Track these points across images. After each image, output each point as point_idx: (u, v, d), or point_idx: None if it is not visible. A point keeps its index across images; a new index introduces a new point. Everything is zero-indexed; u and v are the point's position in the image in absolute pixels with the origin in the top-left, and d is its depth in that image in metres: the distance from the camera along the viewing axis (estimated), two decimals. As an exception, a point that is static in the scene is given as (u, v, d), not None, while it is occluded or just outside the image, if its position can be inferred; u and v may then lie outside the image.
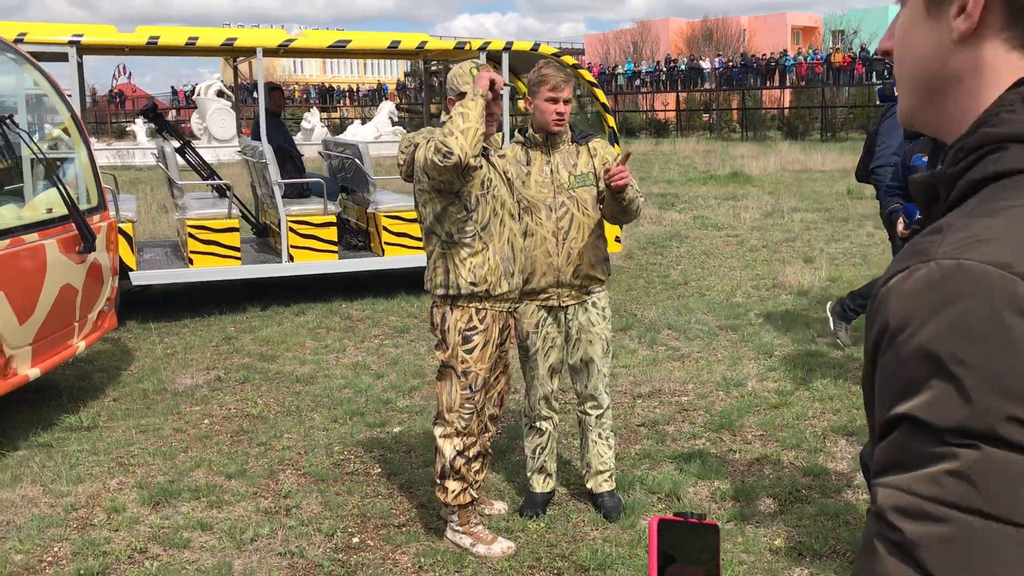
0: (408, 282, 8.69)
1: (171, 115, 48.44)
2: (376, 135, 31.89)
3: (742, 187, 17.18)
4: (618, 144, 8.88)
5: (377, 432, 5.11)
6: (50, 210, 5.24)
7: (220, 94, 31.15)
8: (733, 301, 8.14)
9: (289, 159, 8.63)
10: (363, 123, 35.77)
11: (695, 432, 4.98)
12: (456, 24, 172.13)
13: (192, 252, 7.69)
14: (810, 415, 5.19)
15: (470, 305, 3.49)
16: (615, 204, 3.65)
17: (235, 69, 9.43)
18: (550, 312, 3.85)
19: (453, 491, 3.63)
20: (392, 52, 8.38)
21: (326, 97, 56.19)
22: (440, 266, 3.51)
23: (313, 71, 73.54)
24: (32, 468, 4.57)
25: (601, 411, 3.93)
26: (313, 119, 32.76)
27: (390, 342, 7.02)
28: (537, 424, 4.00)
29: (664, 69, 45.07)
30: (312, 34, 8.28)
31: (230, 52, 8.25)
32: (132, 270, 7.53)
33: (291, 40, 7.85)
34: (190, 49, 7.74)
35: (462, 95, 3.38)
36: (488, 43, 8.36)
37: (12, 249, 4.61)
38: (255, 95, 9.07)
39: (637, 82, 46.40)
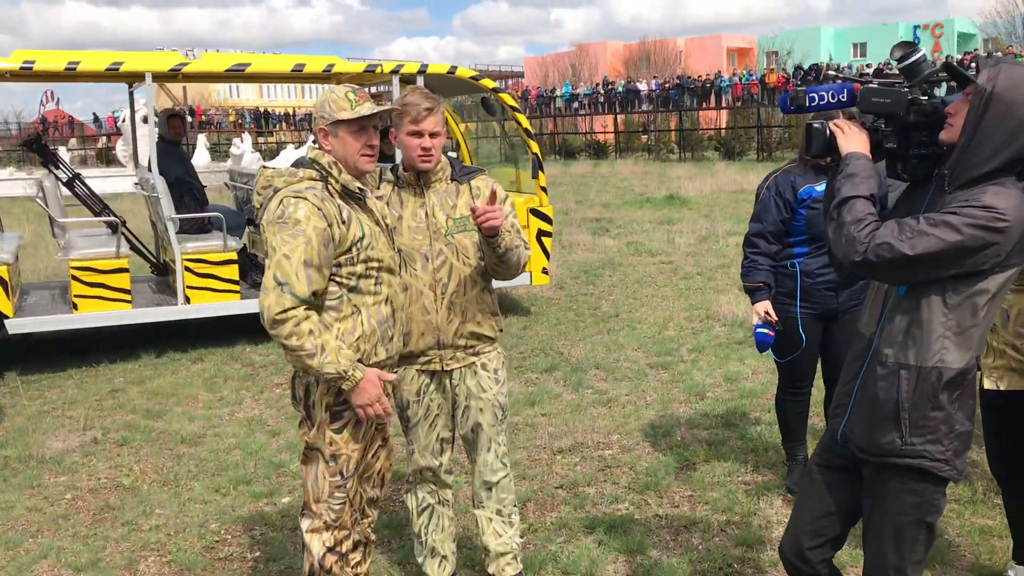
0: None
1: (100, 142, 47.04)
2: (309, 160, 31.14)
3: (678, 210, 16.90)
4: (542, 172, 8.43)
5: (263, 504, 4.52)
6: None
7: (146, 120, 30.19)
8: (665, 335, 7.71)
9: (188, 192, 8.01)
10: (297, 147, 35.00)
11: (618, 494, 4.47)
12: (395, 48, 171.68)
13: (77, 296, 7.01)
14: (743, 470, 4.73)
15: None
16: (489, 252, 3.13)
17: (131, 95, 8.78)
18: (433, 377, 3.32)
19: None
20: (297, 76, 7.82)
21: (262, 121, 55.22)
22: None
23: (250, 95, 72.36)
24: None
25: (494, 485, 3.39)
26: (243, 145, 31.87)
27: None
28: (424, 502, 3.46)
29: (602, 91, 45.12)
30: (209, 57, 7.69)
31: (117, 78, 7.62)
32: (8, 317, 6.83)
33: (184, 64, 7.25)
34: (71, 75, 7.09)
35: (337, 123, 2.83)
36: (401, 66, 7.85)
37: None
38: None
39: (576, 104, 46.38)
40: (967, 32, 50.54)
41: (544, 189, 8.52)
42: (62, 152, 32.89)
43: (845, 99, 2.55)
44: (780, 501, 4.35)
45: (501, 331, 3.35)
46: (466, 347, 3.26)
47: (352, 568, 3.11)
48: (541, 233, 8.41)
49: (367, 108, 2.85)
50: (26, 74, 6.91)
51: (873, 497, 2.53)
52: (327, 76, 7.99)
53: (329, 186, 2.84)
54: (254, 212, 3.01)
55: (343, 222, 2.80)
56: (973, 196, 2.32)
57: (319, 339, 2.71)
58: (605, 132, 40.60)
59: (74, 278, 6.97)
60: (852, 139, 2.53)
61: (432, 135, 3.12)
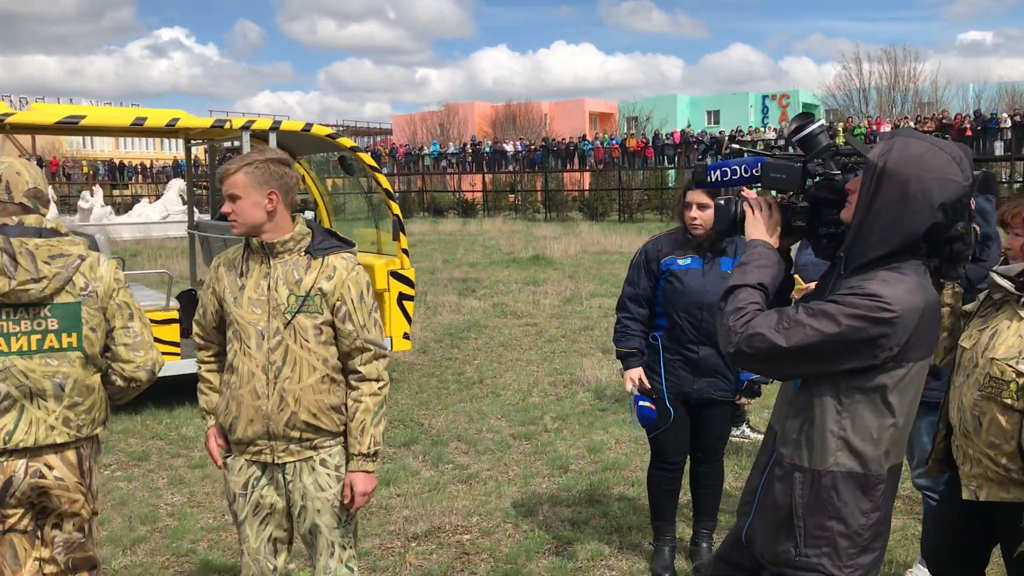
0: (156, 394, 7.50)
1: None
2: (164, 215, 29.89)
3: (543, 270, 16.93)
4: (403, 234, 8.15)
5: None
6: None
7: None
8: (529, 402, 7.49)
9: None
10: (152, 201, 33.56)
11: (476, 585, 4.16)
12: (257, 101, 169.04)
13: None
14: (607, 552, 4.50)
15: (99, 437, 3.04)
16: None
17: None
18: (265, 470, 2.96)
19: None
20: (138, 130, 7.32)
21: (116, 174, 52.94)
22: (103, 398, 3.01)
23: (105, 147, 69.43)
24: None
25: None
26: (93, 199, 30.33)
27: (123, 473, 5.83)
28: None
29: (470, 150, 45.50)
30: (40, 108, 7.11)
31: (-70, 126, 6.93)
32: None
33: (8, 114, 6.65)
34: None
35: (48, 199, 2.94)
36: (252, 121, 7.46)
37: None
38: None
39: (444, 163, 46.54)
40: (811, 103, 53.80)
41: (405, 252, 8.24)
42: None
43: (759, 174, 2.40)
44: (646, 587, 4.13)
45: (344, 426, 2.97)
46: (301, 440, 2.90)
47: None
48: (402, 297, 8.10)
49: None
50: None
51: None
52: (172, 130, 7.53)
53: None
54: (65, 282, 2.83)
55: None
56: (859, 283, 2.13)
57: None
58: (473, 191, 40.85)
59: None
60: (757, 224, 2.35)
61: (230, 198, 2.85)
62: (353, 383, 2.91)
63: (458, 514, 5.02)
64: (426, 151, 48.33)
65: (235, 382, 2.91)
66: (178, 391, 7.60)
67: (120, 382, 2.96)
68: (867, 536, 2.20)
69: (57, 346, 2.79)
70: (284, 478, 2.94)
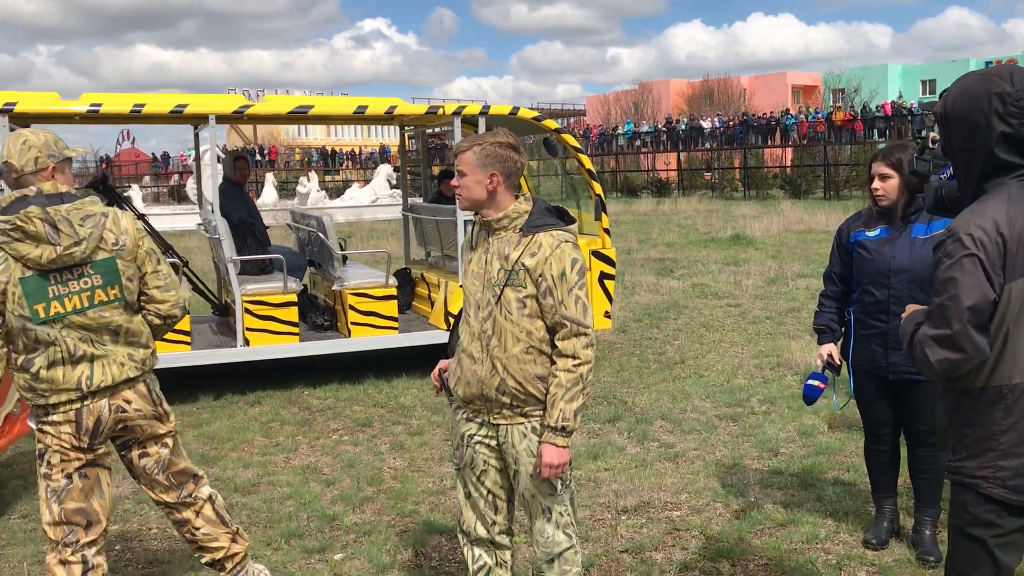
0: (376, 365, 7.99)
1: (172, 179, 48.27)
2: (373, 198, 31.48)
3: (744, 250, 16.53)
4: (605, 214, 8.23)
5: (314, 561, 4.34)
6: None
7: (218, 159, 30.86)
8: (734, 384, 7.40)
9: (251, 233, 7.98)
10: (362, 186, 35.41)
11: (688, 561, 4.19)
12: (454, 87, 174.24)
13: (138, 337, 6.99)
14: (822, 536, 4.41)
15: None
16: None
17: (196, 136, 8.85)
18: (482, 427, 3.14)
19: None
20: (359, 118, 7.78)
21: (328, 160, 56.15)
22: (149, 332, 3.35)
23: (318, 135, 73.79)
24: None
25: (557, 557, 3.15)
26: (309, 184, 32.38)
27: (349, 438, 6.27)
28: (480, 560, 3.27)
29: (664, 129, 44.88)
30: (273, 99, 7.70)
31: (181, 119, 7.66)
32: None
33: (247, 106, 7.25)
34: (137, 117, 7.15)
35: (66, 160, 3.22)
36: (463, 107, 7.76)
37: None
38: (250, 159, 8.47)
39: (638, 142, 46.20)
40: (1043, 67, 49.07)
41: (607, 231, 8.32)
42: (135, 190, 33.76)
43: None
44: (863, 574, 4.02)
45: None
46: (511, 405, 3.05)
47: None
48: (604, 276, 8.19)
49: (77, 148, 3.32)
50: (93, 116, 6.98)
51: None
52: (390, 117, 7.95)
53: None
54: (99, 240, 3.17)
55: None
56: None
57: None
58: (668, 170, 40.33)
59: (135, 319, 6.95)
60: None
61: (459, 173, 3.05)
62: (553, 357, 3.01)
63: (667, 491, 5.07)
64: (620, 131, 48.13)
65: (459, 346, 3.14)
66: (397, 363, 8.07)
67: (157, 320, 3.32)
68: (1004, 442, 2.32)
69: (105, 299, 3.14)
70: (499, 439, 3.10)
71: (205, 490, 3.57)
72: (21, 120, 7.22)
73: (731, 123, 42.49)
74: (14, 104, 6.58)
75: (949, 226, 2.28)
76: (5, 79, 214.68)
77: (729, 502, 4.88)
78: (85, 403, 3.15)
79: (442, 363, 3.32)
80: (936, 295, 2.26)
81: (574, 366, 2.97)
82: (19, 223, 2.99)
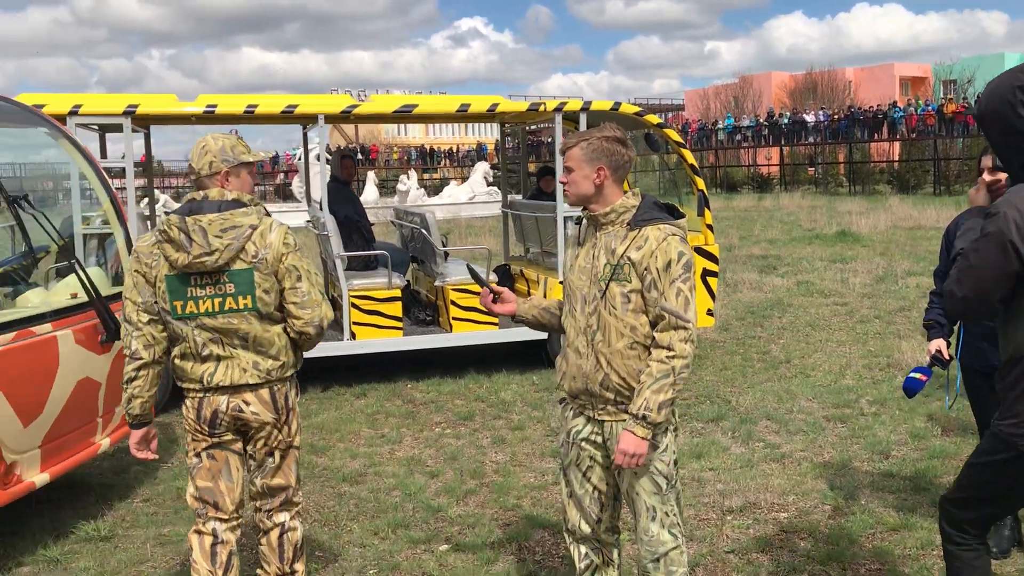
0: (477, 360, 8.07)
1: (279, 178, 49.72)
2: (471, 196, 31.79)
3: (850, 247, 16.05)
4: (708, 209, 8.11)
5: (420, 551, 4.43)
6: (75, 295, 4.82)
7: (319, 158, 31.66)
8: (842, 384, 7.20)
9: (356, 230, 8.17)
10: (460, 183, 35.81)
11: (796, 564, 4.11)
12: (549, 84, 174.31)
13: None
14: (937, 542, 4.24)
15: (294, 379, 3.46)
16: None
17: (304, 135, 9.10)
18: (588, 423, 3.14)
19: (301, 574, 3.54)
20: (462, 116, 7.87)
21: (426, 158, 56.93)
22: (288, 346, 3.35)
23: (416, 133, 74.88)
24: (26, 593, 4.06)
25: (662, 557, 3.12)
26: (409, 181, 32.90)
27: (451, 432, 6.36)
28: (586, 558, 3.27)
29: (766, 123, 43.91)
30: (379, 99, 7.86)
31: (291, 119, 7.89)
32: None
33: (354, 106, 7.42)
34: (250, 117, 7.40)
35: (241, 164, 3.28)
36: (564, 103, 7.76)
37: (16, 344, 4.17)
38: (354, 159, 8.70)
39: (738, 137, 45.35)
40: None
41: (710, 227, 8.21)
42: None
43: None
44: (985, 583, 3.86)
45: None
46: (615, 401, 3.04)
47: None
48: (706, 273, 8.08)
49: (260, 154, 3.42)
50: (209, 117, 7.26)
51: None
52: (491, 115, 8.01)
53: (267, 215, 3.30)
54: (238, 252, 3.20)
55: None
56: None
57: None
58: (769, 165, 39.46)
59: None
60: None
61: (566, 169, 3.05)
62: (651, 348, 2.98)
63: (773, 492, 4.97)
64: (719, 125, 47.32)
65: (565, 341, 3.15)
66: (497, 358, 8.14)
67: (292, 334, 3.33)
68: None
69: (235, 307, 3.18)
70: (604, 435, 3.10)
71: (283, 516, 3.49)
72: (142, 121, 7.57)
73: (836, 117, 41.27)
74: (136, 106, 6.90)
75: (993, 203, 2.52)
76: (122, 82, 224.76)
77: (838, 505, 4.76)
78: (206, 395, 3.29)
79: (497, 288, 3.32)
80: (963, 259, 2.57)
81: (667, 357, 2.92)
82: (164, 228, 3.17)
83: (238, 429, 3.37)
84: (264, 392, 3.31)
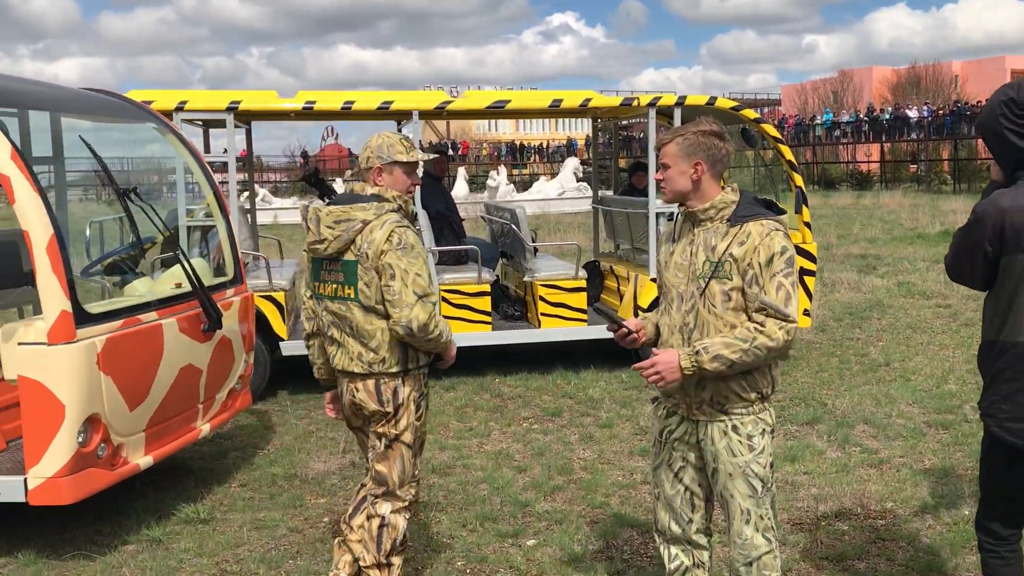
0: (565, 356, 8.06)
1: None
2: (560, 191, 31.75)
3: (955, 247, 15.41)
4: (806, 206, 7.91)
5: (507, 545, 4.44)
6: (179, 285, 4.99)
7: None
8: (944, 389, 6.93)
9: (448, 225, 8.25)
10: (549, 179, 35.78)
11: (894, 572, 3.97)
12: (641, 79, 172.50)
13: (343, 322, 7.38)
14: (1050, 558, 4.05)
15: (419, 373, 3.46)
16: None
17: (399, 131, 9.21)
18: (681, 423, 3.09)
19: (397, 568, 3.51)
20: (554, 111, 7.86)
21: (516, 154, 57.10)
22: (393, 342, 3.36)
23: (506, 129, 75.21)
24: (130, 570, 4.22)
25: (755, 561, 3.05)
26: (499, 177, 33.02)
27: (539, 427, 6.37)
28: (676, 560, 3.22)
29: (866, 119, 42.60)
30: (472, 95, 7.90)
31: (387, 115, 8.01)
32: (283, 340, 7.31)
33: (448, 102, 7.49)
34: (346, 113, 7.54)
35: (394, 163, 3.37)
36: (658, 98, 7.67)
37: (124, 331, 4.34)
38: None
39: (837, 132, 44.12)
40: None
41: (808, 225, 8.00)
42: (338, 184, 35.69)
43: None
44: (1100, 602, 3.66)
45: (763, 395, 2.99)
46: (712, 401, 2.98)
47: None
48: (804, 272, 7.88)
49: (419, 155, 3.44)
50: (308, 113, 7.43)
51: None
52: (584, 110, 7.98)
53: (406, 214, 3.40)
54: (347, 243, 3.32)
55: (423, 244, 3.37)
56: None
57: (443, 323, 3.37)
58: (869, 161, 38.30)
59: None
60: None
61: (662, 166, 3.02)
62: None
63: (870, 498, 4.82)
64: (818, 121, 46.13)
65: (661, 340, 3.11)
66: (585, 355, 8.11)
67: (392, 330, 3.38)
68: None
69: (343, 295, 3.34)
70: (698, 436, 3.04)
71: (385, 507, 3.47)
72: (244, 117, 7.79)
73: (940, 112, 39.74)
74: (238, 103, 7.10)
75: (978, 203, 2.91)
76: (223, 79, 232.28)
77: (939, 514, 4.58)
78: (340, 377, 3.52)
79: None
80: (957, 231, 2.99)
81: (756, 329, 2.83)
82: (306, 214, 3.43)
83: (359, 414, 3.52)
84: (370, 383, 3.40)
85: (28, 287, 4.11)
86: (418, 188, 7.55)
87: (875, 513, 4.63)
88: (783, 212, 2.99)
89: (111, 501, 4.92)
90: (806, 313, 7.96)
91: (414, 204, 3.00)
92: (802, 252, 7.87)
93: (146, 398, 4.49)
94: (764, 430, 2.99)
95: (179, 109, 6.95)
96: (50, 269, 3.99)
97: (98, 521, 4.78)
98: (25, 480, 4.09)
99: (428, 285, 3.29)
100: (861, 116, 43.58)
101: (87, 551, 4.41)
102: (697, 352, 2.85)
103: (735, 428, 2.98)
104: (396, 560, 3.50)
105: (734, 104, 7.92)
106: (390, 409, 3.39)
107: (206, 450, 6.02)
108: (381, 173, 3.38)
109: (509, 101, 7.68)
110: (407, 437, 3.43)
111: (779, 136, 8.13)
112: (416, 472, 3.53)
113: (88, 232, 6.53)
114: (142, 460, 4.55)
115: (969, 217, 2.88)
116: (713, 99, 7.77)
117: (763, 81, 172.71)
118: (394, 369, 3.38)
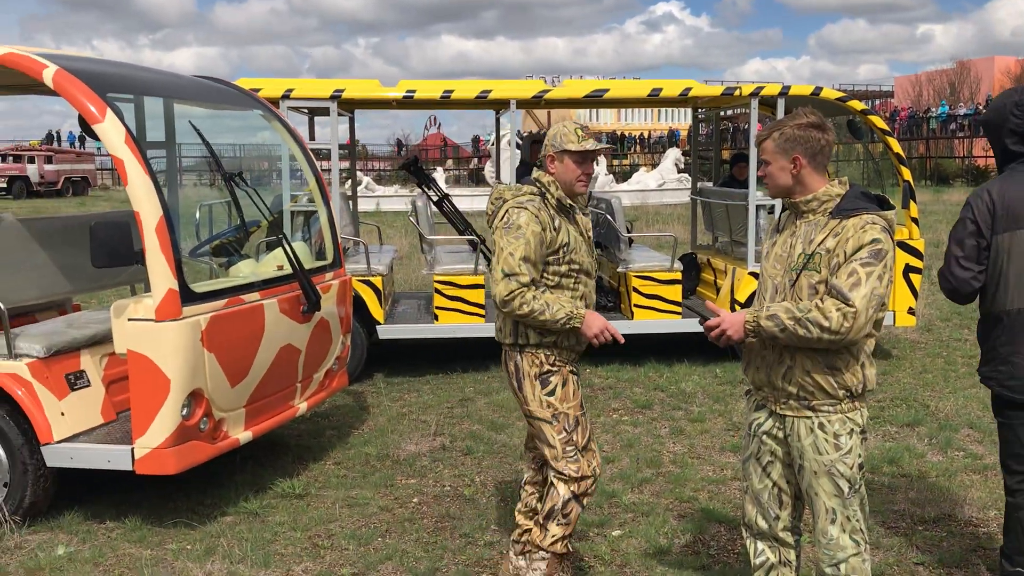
0: (658, 349, 7.99)
1: (473, 163, 51.10)
2: (660, 182, 31.42)
3: (1078, 247, 14.61)
4: (913, 201, 7.63)
5: (593, 534, 4.45)
6: (281, 268, 5.16)
7: (510, 143, 32.22)
8: (1059, 396, 6.59)
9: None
10: (650, 170, 35.46)
11: (994, 583, 3.82)
12: (746, 69, 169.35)
13: (438, 308, 7.50)
14: None
15: (539, 351, 3.47)
16: None
17: (497, 120, 9.28)
18: (769, 417, 3.04)
19: (553, 536, 3.52)
20: (654, 100, 7.78)
21: (617, 144, 56.70)
22: (506, 316, 3.50)
23: (608, 119, 74.75)
24: (227, 540, 4.39)
25: (842, 562, 2.96)
26: (597, 167, 32.88)
27: (629, 419, 6.34)
28: (762, 555, 3.17)
29: (985, 111, 40.69)
30: (571, 84, 7.89)
31: (485, 104, 8.07)
32: (379, 324, 7.47)
33: (546, 91, 7.49)
34: (446, 102, 7.63)
35: (564, 151, 3.44)
36: (761, 88, 7.50)
37: (228, 310, 4.51)
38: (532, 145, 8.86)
39: (952, 126, 42.33)
40: None
41: (915, 220, 7.72)
42: (439, 173, 36.10)
43: None
44: None
45: (852, 394, 2.90)
46: (798, 396, 2.91)
47: (575, 522, 3.59)
48: (909, 269, 7.61)
49: (591, 144, 3.46)
50: (408, 102, 7.55)
51: None
52: (684, 99, 7.87)
53: (546, 199, 3.46)
54: (494, 219, 3.52)
55: (555, 229, 3.43)
56: None
57: (542, 299, 3.34)
58: (987, 156, 36.58)
59: (437, 291, 7.46)
60: None
61: (763, 162, 2.98)
62: None
63: (972, 505, 4.64)
64: (932, 113, 44.35)
65: None
66: (679, 348, 8.03)
67: None
68: None
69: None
70: (785, 431, 2.99)
71: (551, 474, 3.52)
72: (347, 105, 7.97)
73: (1068, 104, 37.64)
74: (342, 91, 7.27)
75: (973, 191, 3.27)
76: (330, 69, 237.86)
77: (1048, 526, 4.37)
78: None
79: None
80: (948, 241, 3.34)
81: (815, 308, 2.76)
82: None
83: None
84: (504, 354, 3.60)
85: (139, 266, 4.30)
86: (514, 179, 7.64)
87: (976, 520, 4.46)
88: (891, 207, 2.90)
89: (212, 474, 5.14)
90: (911, 312, 7.69)
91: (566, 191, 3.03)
92: (909, 248, 7.61)
93: (247, 375, 4.66)
94: (853, 430, 2.91)
95: (285, 97, 7.16)
96: (159, 249, 4.17)
97: (199, 492, 4.99)
98: (132, 450, 4.30)
99: (518, 264, 3.32)
100: (980, 109, 41.67)
101: (188, 519, 4.62)
102: (762, 318, 2.85)
103: (821, 426, 2.91)
104: (552, 527, 3.52)
105: (840, 95, 7.69)
106: (515, 383, 3.54)
107: (303, 428, 6.21)
108: (553, 161, 3.48)
109: (608, 90, 7.64)
110: (542, 413, 3.50)
111: (887, 128, 7.85)
112: (576, 447, 3.48)
113: (198, 215, 6.80)
114: (242, 435, 4.73)
115: (961, 215, 3.27)
116: (818, 89, 7.56)
117: (874, 72, 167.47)
118: (508, 341, 3.52)
